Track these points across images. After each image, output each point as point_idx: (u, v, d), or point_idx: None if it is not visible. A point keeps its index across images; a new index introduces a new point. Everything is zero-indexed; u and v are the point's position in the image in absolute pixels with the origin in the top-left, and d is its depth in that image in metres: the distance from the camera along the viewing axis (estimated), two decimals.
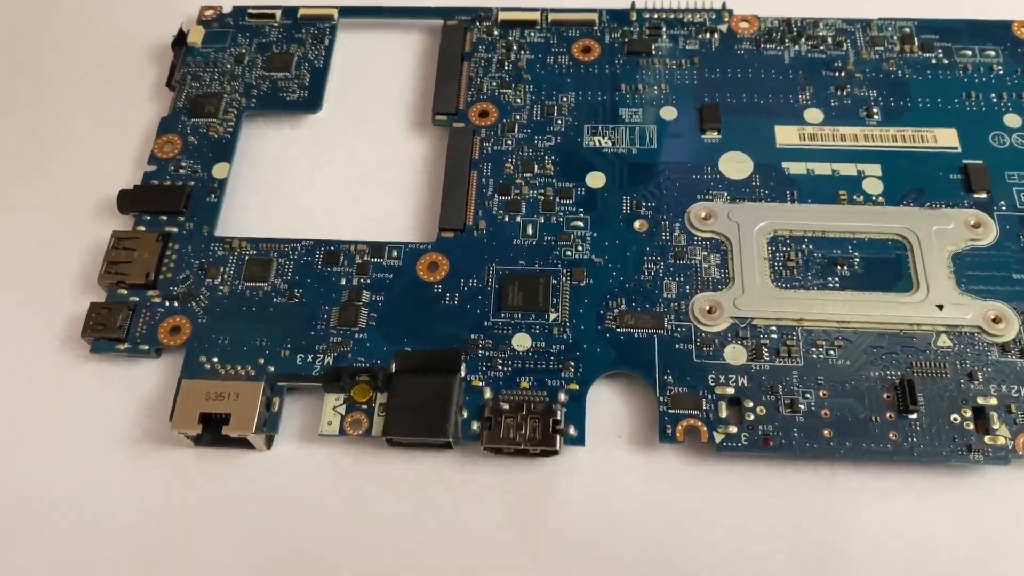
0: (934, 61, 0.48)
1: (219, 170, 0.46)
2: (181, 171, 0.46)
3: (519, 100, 0.47)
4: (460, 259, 0.43)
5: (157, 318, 0.42)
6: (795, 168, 0.45)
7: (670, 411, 0.38)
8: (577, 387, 0.39)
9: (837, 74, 0.48)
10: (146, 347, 0.41)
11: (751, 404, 0.38)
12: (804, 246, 0.42)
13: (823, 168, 0.45)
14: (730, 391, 0.39)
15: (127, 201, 0.45)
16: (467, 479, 0.38)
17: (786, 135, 0.46)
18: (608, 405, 0.40)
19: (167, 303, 0.42)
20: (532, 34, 0.50)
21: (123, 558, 0.37)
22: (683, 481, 0.38)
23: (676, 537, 0.36)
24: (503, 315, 0.41)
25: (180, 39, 0.51)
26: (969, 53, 0.48)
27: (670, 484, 0.38)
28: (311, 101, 0.49)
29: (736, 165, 0.45)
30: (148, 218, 0.45)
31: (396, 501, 0.38)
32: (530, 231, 0.43)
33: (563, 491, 0.38)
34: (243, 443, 0.39)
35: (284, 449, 0.39)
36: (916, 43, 0.49)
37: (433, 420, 0.38)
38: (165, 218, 0.45)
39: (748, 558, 0.36)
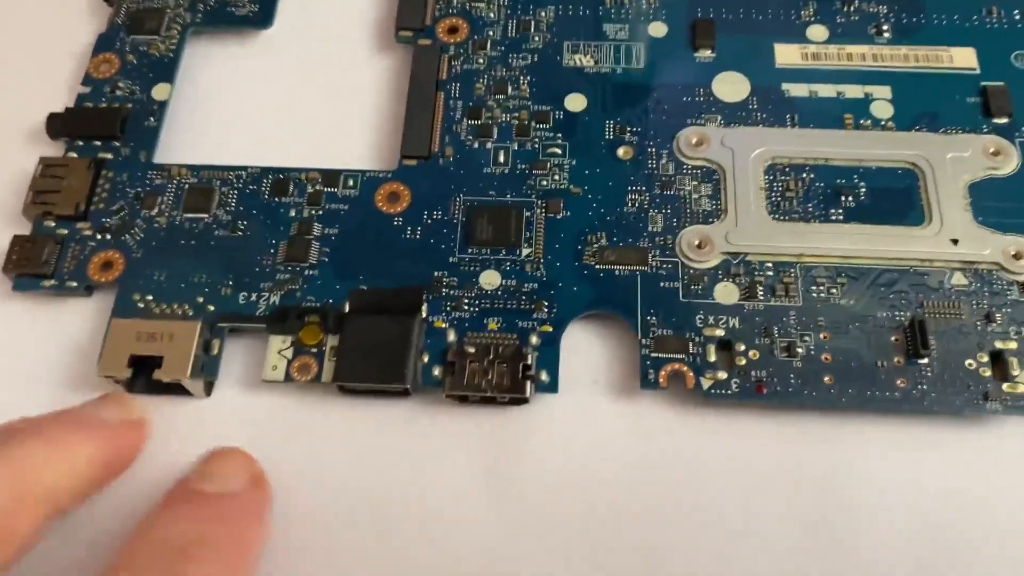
0: None
1: (159, 92, 0.42)
2: (118, 93, 0.42)
3: (492, 14, 0.43)
4: (424, 189, 0.38)
5: (87, 252, 0.37)
6: (796, 90, 0.40)
7: (653, 355, 0.34)
8: (551, 329, 0.35)
9: None
10: (75, 284, 0.37)
11: (743, 348, 0.34)
12: (805, 175, 0.38)
13: (827, 90, 0.40)
14: (720, 333, 0.35)
15: (57, 125, 0.40)
16: (428, 430, 0.34)
17: (787, 54, 0.41)
18: (585, 349, 0.36)
19: (99, 236, 0.38)
20: None
21: None
22: (667, 431, 0.34)
23: (659, 493, 0.33)
24: (471, 251, 0.37)
25: None
26: None
27: (652, 435, 0.34)
28: (262, 16, 0.44)
29: (731, 87, 0.41)
30: (80, 144, 0.40)
31: (348, 454, 0.34)
32: (502, 159, 0.39)
33: (534, 443, 0.34)
34: (179, 389, 0.35)
35: (224, 396, 0.35)
36: None
37: (390, 365, 0.34)
38: (99, 144, 0.40)
39: (741, 515, 0.32)
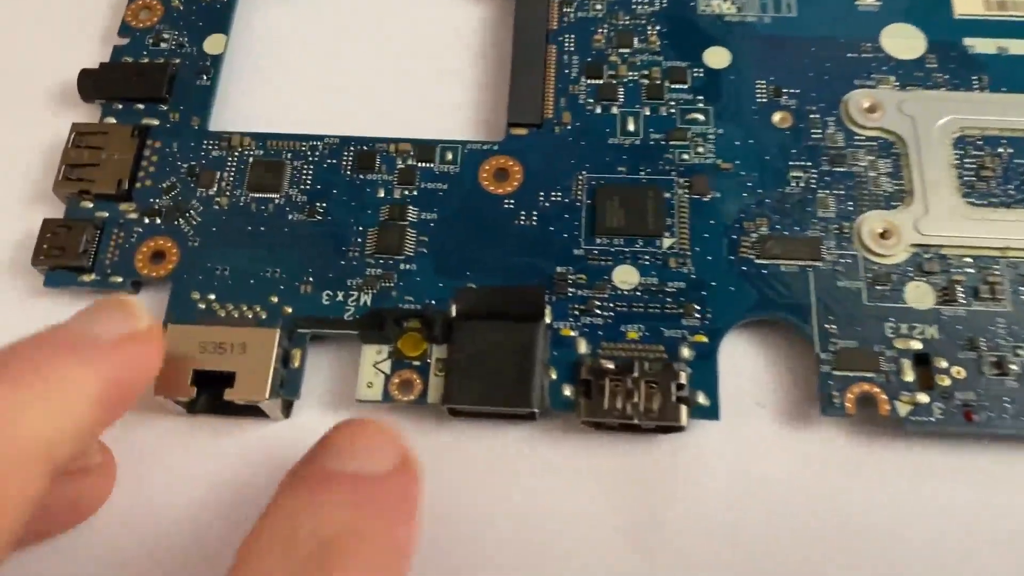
0: None
1: (213, 44, 0.35)
2: (163, 45, 0.35)
3: None
4: (538, 164, 0.32)
5: (134, 240, 0.31)
6: (981, 46, 0.33)
7: (835, 373, 0.28)
8: (706, 339, 0.29)
9: None
10: (119, 279, 0.31)
11: (944, 364, 0.28)
12: (1002, 149, 0.31)
13: (1020, 46, 0.33)
14: (916, 346, 0.28)
15: (91, 84, 0.34)
16: (558, 461, 0.28)
17: (967, 3, 0.34)
18: (747, 364, 0.29)
19: (146, 220, 0.31)
20: None
21: (93, 555, 0.27)
22: (854, 469, 0.28)
23: (842, 545, 0.27)
24: (599, 241, 0.30)
25: None
26: None
27: (835, 473, 0.28)
28: None
29: (903, 41, 0.34)
30: (120, 107, 0.34)
31: (461, 491, 0.28)
32: (631, 126, 0.32)
33: (687, 480, 0.28)
34: (253, 411, 0.29)
35: (308, 419, 0.29)
36: None
37: (512, 384, 0.28)
38: (142, 107, 0.33)
39: (944, 574, 0.26)
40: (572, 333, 0.29)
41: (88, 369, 0.22)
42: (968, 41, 0.33)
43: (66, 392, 0.21)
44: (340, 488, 0.22)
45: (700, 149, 0.32)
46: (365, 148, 0.32)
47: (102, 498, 0.28)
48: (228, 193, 0.32)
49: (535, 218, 0.31)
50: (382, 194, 0.31)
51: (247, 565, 0.20)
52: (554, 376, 0.28)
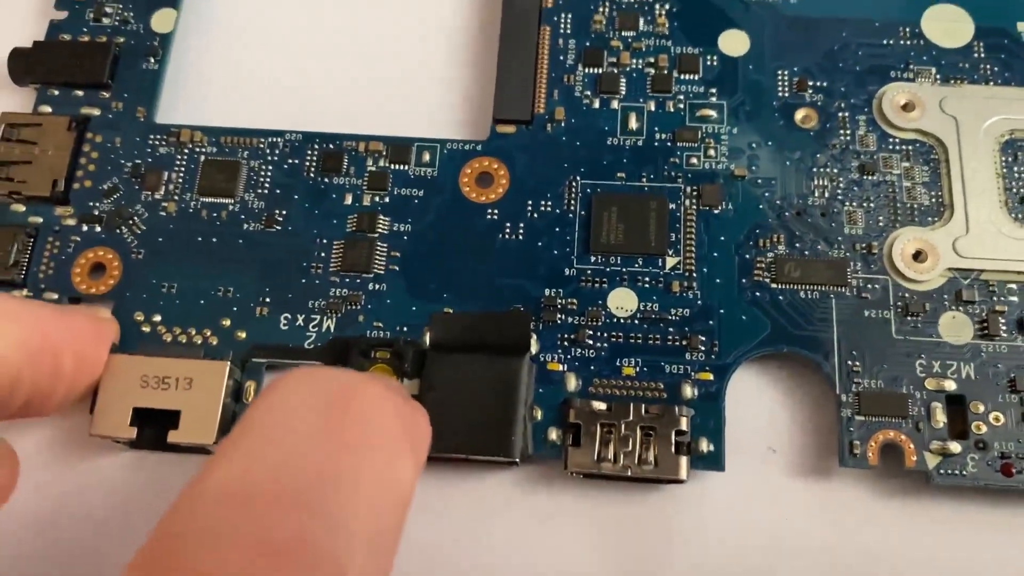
0: None
1: (161, 20, 0.31)
2: (105, 21, 0.31)
3: None
4: (526, 168, 0.28)
5: (71, 251, 0.28)
6: None
7: (857, 418, 0.25)
8: (711, 377, 0.25)
9: None
10: (54, 296, 0.27)
11: (981, 408, 0.25)
12: None
13: None
14: (950, 386, 0.25)
15: (24, 65, 0.30)
16: (542, 511, 0.25)
17: None
18: (759, 405, 0.26)
19: (85, 227, 0.28)
20: None
21: None
22: (876, 527, 0.25)
23: None
24: (594, 259, 0.27)
25: None
26: None
27: (854, 530, 0.25)
28: None
29: (948, 26, 0.29)
30: (56, 93, 0.30)
31: (436, 542, 0.25)
32: (633, 124, 0.28)
33: (689, 535, 0.25)
34: (201, 449, 0.26)
35: None
36: None
37: (491, 429, 0.24)
38: (81, 93, 0.30)
39: None
40: (560, 367, 0.26)
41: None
42: (1022, 26, 0.29)
43: None
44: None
45: (711, 152, 0.28)
46: (331, 147, 0.28)
47: (2, 496, 0.25)
48: (176, 197, 0.28)
49: (521, 231, 0.27)
50: (349, 201, 0.28)
51: (273, 395, 0.19)
52: (539, 416, 0.25)
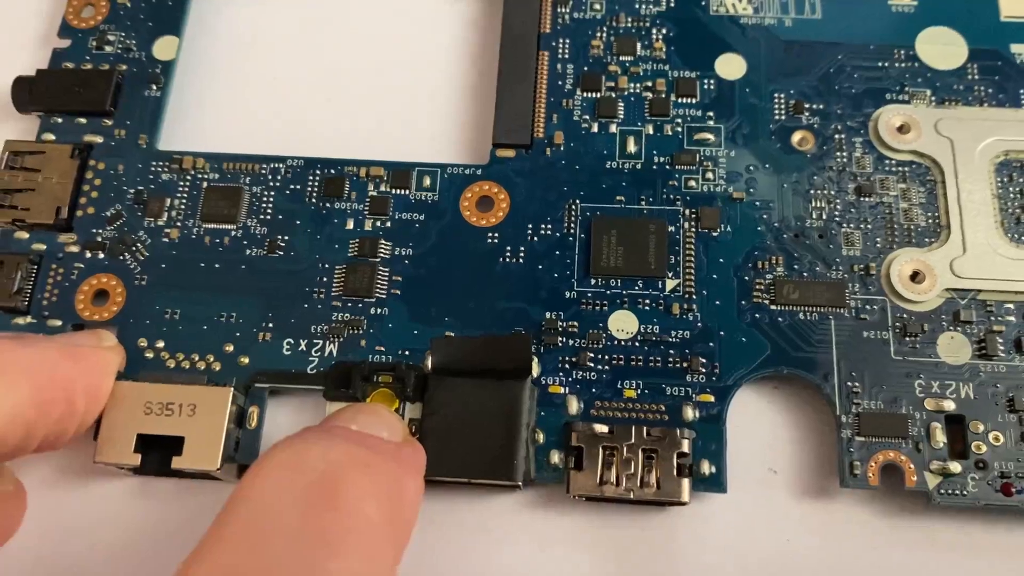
0: None
1: (164, 47, 0.31)
2: (108, 49, 0.31)
3: None
4: (526, 192, 0.28)
5: (74, 278, 0.28)
6: None
7: (857, 438, 0.25)
8: (712, 398, 0.25)
9: None
10: (58, 322, 0.27)
11: (981, 428, 0.25)
12: None
13: None
14: (949, 407, 0.25)
15: (27, 94, 0.30)
16: (545, 534, 0.25)
17: (1015, 4, 0.30)
18: (759, 426, 0.26)
19: (88, 254, 0.28)
20: None
21: None
22: (877, 546, 0.25)
23: None
24: (594, 282, 0.27)
25: None
26: None
27: (856, 550, 0.25)
28: None
29: (942, 48, 0.30)
30: (59, 121, 0.30)
31: (436, 567, 0.25)
32: (632, 148, 0.29)
33: (692, 557, 0.25)
34: (205, 475, 0.26)
35: None
36: None
37: (494, 453, 0.25)
38: (84, 121, 0.30)
39: None
40: (562, 390, 0.26)
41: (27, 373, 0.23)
42: (1016, 48, 0.30)
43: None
44: (348, 435, 0.22)
45: (709, 175, 0.28)
46: (333, 172, 0.29)
47: (11, 528, 0.26)
48: (179, 223, 0.28)
49: (522, 255, 0.27)
50: (351, 226, 0.28)
51: (253, 484, 0.19)
52: (541, 440, 0.25)
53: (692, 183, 0.28)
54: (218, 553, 0.18)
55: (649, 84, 0.29)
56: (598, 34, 0.30)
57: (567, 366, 0.26)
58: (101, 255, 0.28)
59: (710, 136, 0.29)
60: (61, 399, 0.23)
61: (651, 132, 0.29)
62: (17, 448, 0.22)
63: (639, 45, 0.30)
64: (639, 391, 0.26)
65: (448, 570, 0.25)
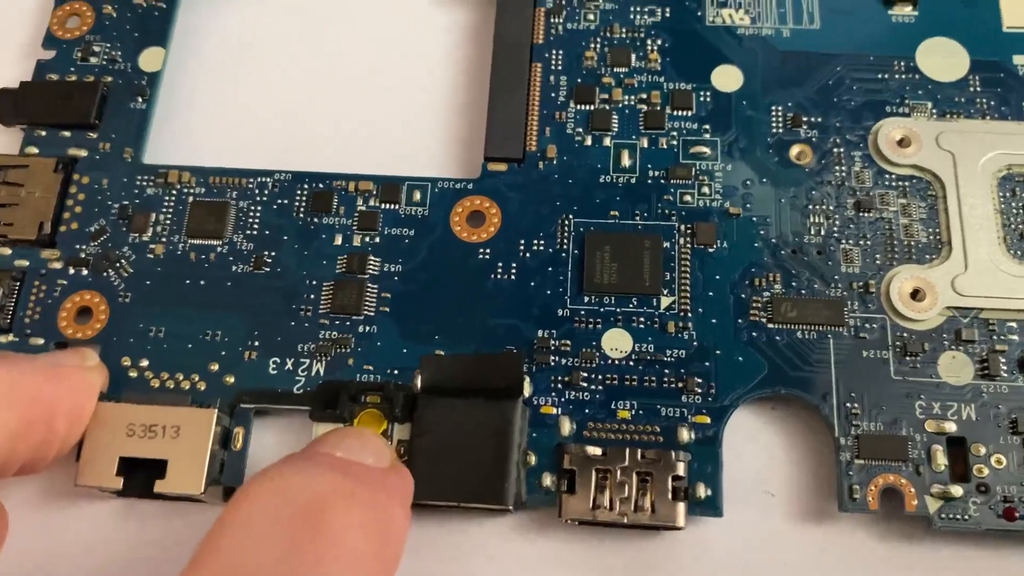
0: None
1: (149, 59, 0.30)
2: (93, 60, 0.30)
3: None
4: (518, 206, 0.28)
5: (57, 295, 0.27)
6: None
7: (857, 461, 0.24)
8: (708, 420, 0.25)
9: None
10: (40, 341, 0.27)
11: (983, 451, 0.24)
12: None
13: None
14: (950, 428, 0.24)
15: (11, 106, 0.30)
16: (536, 562, 0.25)
17: (1019, 14, 0.30)
18: (756, 447, 0.26)
19: (71, 271, 0.27)
20: None
21: None
22: (877, 574, 0.24)
23: None
24: (587, 299, 0.26)
25: None
26: None
27: None
28: None
29: (943, 60, 0.29)
30: (43, 134, 0.29)
31: None
32: (626, 161, 0.28)
33: None
34: (188, 498, 0.25)
35: None
36: None
37: (484, 476, 0.24)
38: (68, 134, 0.29)
39: None
40: (554, 411, 0.25)
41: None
42: (1019, 59, 0.29)
43: None
44: (333, 463, 0.21)
45: (705, 189, 0.27)
46: (321, 186, 0.28)
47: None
48: (164, 239, 0.28)
49: (513, 271, 0.27)
50: (339, 241, 0.27)
51: (236, 515, 0.19)
52: (533, 461, 0.25)
53: (688, 198, 0.27)
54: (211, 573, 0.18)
55: (644, 96, 0.29)
56: (592, 45, 0.30)
57: (559, 386, 0.25)
58: (85, 271, 0.27)
59: (706, 150, 0.28)
60: (43, 422, 0.23)
61: (646, 145, 0.28)
62: None
63: (634, 56, 0.29)
64: (633, 412, 0.25)
65: None
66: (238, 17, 0.32)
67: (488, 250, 0.27)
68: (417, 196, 0.28)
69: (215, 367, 0.26)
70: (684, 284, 0.26)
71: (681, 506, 0.24)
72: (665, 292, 0.26)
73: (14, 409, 0.22)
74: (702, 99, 0.29)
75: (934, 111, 0.28)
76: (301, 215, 0.28)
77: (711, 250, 0.27)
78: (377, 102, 0.30)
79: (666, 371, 0.25)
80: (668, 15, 0.30)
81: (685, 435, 0.25)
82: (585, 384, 0.25)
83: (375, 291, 0.27)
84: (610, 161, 0.28)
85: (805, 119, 0.28)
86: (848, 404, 0.25)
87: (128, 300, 0.27)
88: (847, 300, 0.26)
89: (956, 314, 0.26)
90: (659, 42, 0.30)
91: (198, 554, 0.19)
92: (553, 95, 0.29)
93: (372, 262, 0.27)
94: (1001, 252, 0.26)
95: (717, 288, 0.26)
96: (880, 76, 0.29)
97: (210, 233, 0.28)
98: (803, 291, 0.26)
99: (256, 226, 0.28)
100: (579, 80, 0.29)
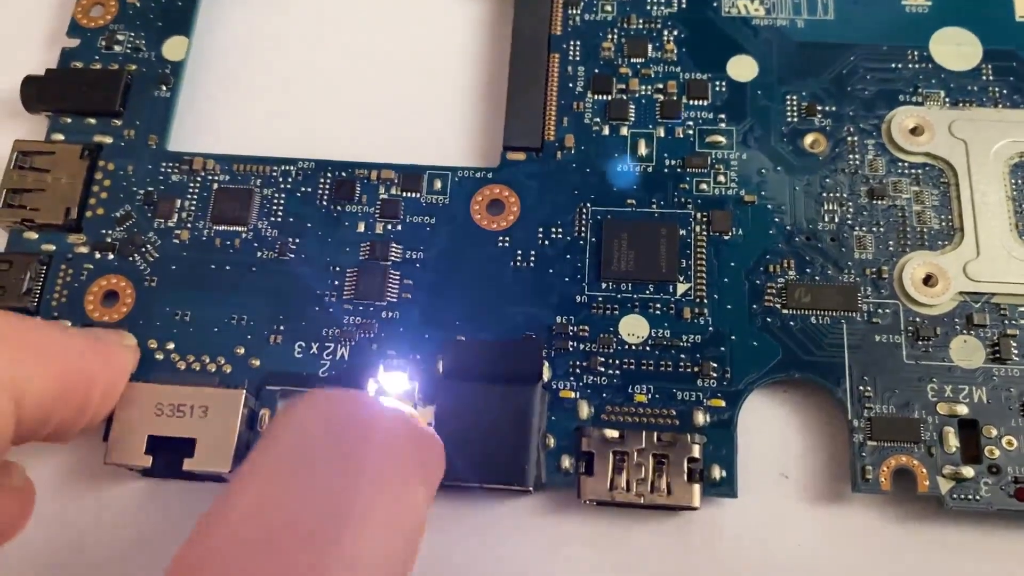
0: None
1: (173, 48, 0.31)
2: (117, 48, 0.31)
3: None
4: (536, 195, 0.28)
5: (84, 278, 0.28)
6: None
7: (870, 443, 0.25)
8: (723, 403, 0.25)
9: None
10: (67, 323, 0.27)
11: (994, 432, 0.25)
12: None
13: None
14: (962, 411, 0.25)
15: (36, 94, 0.30)
16: (555, 541, 0.25)
17: None
18: (771, 430, 0.26)
19: (98, 255, 0.28)
20: None
21: None
22: (890, 552, 0.25)
23: None
24: (605, 286, 0.27)
25: None
26: None
27: (868, 556, 0.25)
28: None
29: (956, 49, 0.29)
30: (68, 121, 0.30)
31: (446, 571, 0.25)
32: (643, 150, 0.28)
33: (703, 561, 0.25)
34: (216, 477, 0.26)
35: None
36: None
37: (505, 457, 0.25)
38: (93, 121, 0.30)
39: None
40: (573, 395, 0.26)
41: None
42: None
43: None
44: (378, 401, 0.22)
45: (721, 178, 0.28)
46: (343, 175, 0.29)
47: (17, 525, 0.26)
48: (189, 225, 0.28)
49: (532, 259, 0.27)
50: (362, 228, 0.28)
51: (288, 418, 0.20)
52: (552, 444, 0.25)
53: (703, 186, 0.28)
54: (260, 477, 0.19)
55: (660, 86, 0.29)
56: (609, 36, 0.30)
57: (578, 370, 0.26)
58: (111, 256, 0.28)
59: (721, 139, 0.28)
60: (81, 390, 0.23)
61: (662, 135, 0.29)
62: (31, 430, 0.22)
63: (650, 47, 0.30)
64: (650, 396, 0.26)
65: (459, 574, 0.25)
66: (261, 7, 0.32)
67: (507, 238, 0.28)
68: (438, 185, 0.28)
69: (241, 350, 0.27)
70: (700, 271, 0.27)
71: (696, 487, 0.24)
72: (681, 279, 0.27)
73: (61, 370, 0.22)
74: (718, 89, 0.29)
75: (947, 100, 0.29)
76: (324, 203, 0.28)
77: (727, 237, 0.27)
78: (398, 92, 0.31)
79: (682, 356, 0.26)
80: (684, 6, 0.30)
81: (701, 418, 0.25)
82: (603, 369, 0.26)
83: (397, 278, 0.27)
84: (628, 150, 0.28)
85: (819, 108, 0.29)
86: (861, 387, 0.25)
87: (154, 284, 0.28)
88: (860, 286, 0.26)
89: (968, 299, 0.26)
90: (675, 33, 0.30)
91: (257, 448, 0.20)
92: (571, 85, 0.29)
93: (394, 249, 0.27)
94: (1013, 238, 0.27)
95: (732, 274, 0.27)
96: (893, 65, 0.29)
97: (235, 220, 0.28)
98: (817, 277, 0.27)
99: (280, 213, 0.28)
100: (596, 70, 0.29)
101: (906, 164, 0.28)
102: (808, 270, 0.27)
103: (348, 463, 0.19)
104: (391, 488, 0.19)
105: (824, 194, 0.28)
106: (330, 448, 0.19)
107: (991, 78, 0.29)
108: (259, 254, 0.28)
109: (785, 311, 0.26)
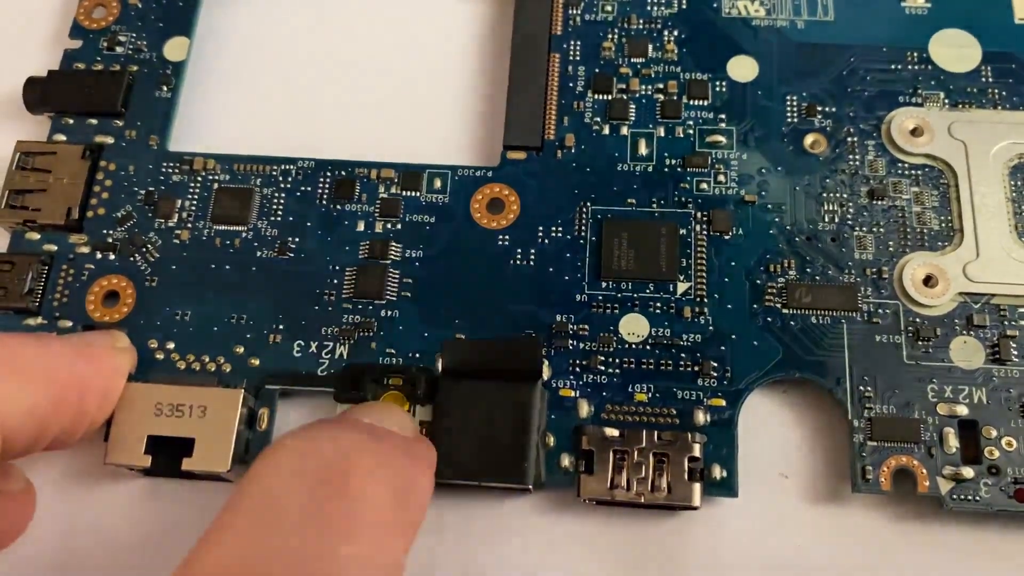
0: None
1: (174, 48, 0.31)
2: (119, 49, 0.31)
3: None
4: (536, 194, 0.28)
5: (85, 278, 0.28)
6: None
7: (870, 443, 0.25)
8: (723, 403, 0.25)
9: None
10: (68, 323, 0.27)
11: (994, 433, 0.25)
12: None
13: None
14: (962, 411, 0.25)
15: (39, 95, 0.30)
16: (554, 540, 0.25)
17: None
18: (771, 430, 0.26)
19: (99, 255, 0.28)
20: None
21: None
22: (889, 552, 0.25)
23: None
24: (605, 285, 0.27)
25: None
26: None
27: (868, 556, 0.25)
28: None
29: (956, 51, 0.30)
30: (70, 122, 0.30)
31: (445, 569, 0.25)
32: (643, 150, 0.28)
33: (703, 561, 0.25)
34: (216, 476, 0.26)
35: None
36: None
37: (505, 455, 0.24)
38: (95, 122, 0.30)
39: None
40: (573, 393, 0.26)
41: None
42: None
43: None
44: (360, 426, 0.22)
45: (721, 178, 0.28)
46: (343, 174, 0.29)
47: (19, 528, 0.26)
48: (190, 225, 0.28)
49: (532, 257, 0.27)
50: (362, 227, 0.28)
51: (263, 470, 0.20)
52: (552, 443, 0.25)
53: (704, 186, 0.28)
54: (228, 538, 0.19)
55: (660, 86, 0.29)
56: (609, 36, 0.30)
57: (578, 369, 0.26)
58: (112, 256, 0.28)
59: (722, 139, 0.28)
60: (75, 399, 0.23)
61: (662, 134, 0.29)
62: (29, 446, 0.22)
63: (651, 47, 0.30)
64: (650, 395, 0.26)
65: (457, 573, 0.25)
66: (261, 7, 0.32)
67: (507, 237, 0.28)
68: (438, 184, 0.28)
69: (240, 350, 0.27)
70: (700, 270, 0.27)
71: (697, 486, 0.24)
72: (681, 278, 0.27)
73: (50, 385, 0.22)
74: (718, 89, 0.29)
75: (946, 101, 0.29)
76: (324, 202, 0.28)
77: (727, 237, 0.27)
78: (399, 91, 0.31)
79: (682, 355, 0.26)
80: (685, 6, 0.30)
81: (701, 417, 0.25)
82: (603, 367, 0.26)
83: (397, 276, 0.27)
84: (627, 150, 0.28)
85: (819, 109, 0.29)
86: (861, 388, 0.25)
87: (154, 284, 0.28)
88: (860, 286, 0.26)
89: (968, 300, 0.26)
90: (676, 33, 0.30)
91: (226, 508, 0.19)
92: (571, 85, 0.29)
93: (394, 248, 0.28)
94: (1012, 240, 0.27)
95: (732, 274, 0.27)
96: (893, 67, 0.29)
97: (235, 219, 0.28)
98: (817, 277, 0.27)
99: (280, 213, 0.28)
100: (597, 70, 0.30)
101: (906, 165, 0.28)
102: (808, 270, 0.27)
103: (324, 517, 0.19)
104: (369, 538, 0.19)
105: (824, 194, 0.28)
106: (305, 501, 0.19)
107: (990, 80, 0.29)
108: (259, 253, 0.28)
109: (785, 311, 0.26)
